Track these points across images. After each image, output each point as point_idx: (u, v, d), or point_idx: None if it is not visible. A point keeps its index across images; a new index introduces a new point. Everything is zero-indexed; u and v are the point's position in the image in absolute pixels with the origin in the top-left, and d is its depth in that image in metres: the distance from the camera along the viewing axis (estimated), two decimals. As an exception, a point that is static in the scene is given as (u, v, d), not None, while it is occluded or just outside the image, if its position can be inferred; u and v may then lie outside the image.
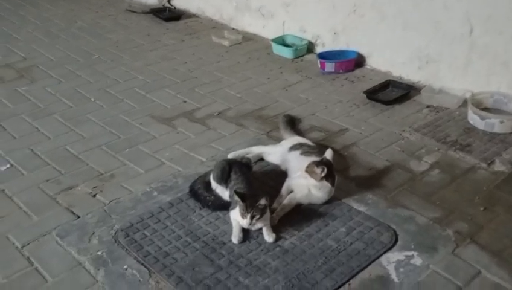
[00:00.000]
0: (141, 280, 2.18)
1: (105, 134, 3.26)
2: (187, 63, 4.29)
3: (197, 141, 3.16)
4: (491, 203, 2.58)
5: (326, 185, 2.53)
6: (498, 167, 2.86)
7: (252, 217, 2.31)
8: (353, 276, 2.18)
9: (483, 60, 3.43)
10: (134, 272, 2.21)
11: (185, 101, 3.67)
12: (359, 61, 4.15)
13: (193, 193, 2.65)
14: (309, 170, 2.53)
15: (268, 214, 2.41)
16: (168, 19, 5.28)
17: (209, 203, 2.58)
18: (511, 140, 3.08)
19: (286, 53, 4.38)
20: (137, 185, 2.77)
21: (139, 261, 2.27)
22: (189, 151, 3.05)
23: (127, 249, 2.33)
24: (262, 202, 2.33)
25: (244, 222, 2.34)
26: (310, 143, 2.91)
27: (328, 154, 2.64)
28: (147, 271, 2.22)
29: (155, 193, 2.70)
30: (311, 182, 2.53)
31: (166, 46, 4.66)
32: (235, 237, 2.37)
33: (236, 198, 2.35)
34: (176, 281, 2.16)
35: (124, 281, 2.17)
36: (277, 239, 2.37)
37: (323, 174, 2.50)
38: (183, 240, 2.39)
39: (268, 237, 2.37)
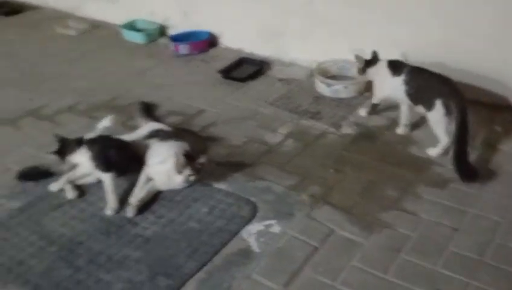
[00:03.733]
0: (-6, 294, 2.04)
1: None
2: (30, 59, 4.02)
3: (47, 139, 2.96)
4: (340, 165, 2.73)
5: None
6: (345, 129, 3.04)
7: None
8: (216, 253, 2.20)
9: (324, 29, 3.58)
10: (-15, 287, 2.07)
11: (31, 99, 3.43)
12: (212, 41, 4.17)
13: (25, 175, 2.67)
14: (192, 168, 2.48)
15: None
16: (8, 13, 4.91)
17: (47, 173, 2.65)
18: (355, 103, 3.28)
19: (138, 38, 4.28)
20: (-18, 194, 2.56)
21: (-10, 275, 2.12)
22: (39, 152, 2.86)
23: (-25, 264, 2.17)
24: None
25: None
26: (166, 128, 2.87)
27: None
28: (0, 283, 2.07)
29: (3, 201, 2.53)
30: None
31: (7, 42, 4.33)
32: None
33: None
34: (32, 288, 2.05)
35: (-26, 298, 2.02)
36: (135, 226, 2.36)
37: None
38: (38, 245, 2.26)
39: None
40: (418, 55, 3.08)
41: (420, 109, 2.82)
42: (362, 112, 3.15)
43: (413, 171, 2.66)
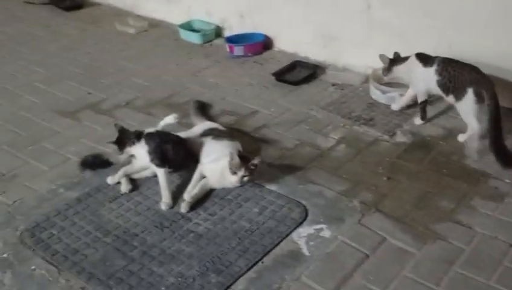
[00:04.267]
0: (50, 279, 2.12)
1: (6, 132, 3.10)
2: (90, 53, 4.14)
3: (105, 133, 3.06)
4: (393, 173, 2.70)
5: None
6: (399, 138, 3.00)
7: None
8: (266, 254, 2.22)
9: (381, 35, 3.54)
10: (42, 272, 2.15)
11: (89, 93, 3.55)
12: (267, 43, 4.18)
13: (87, 163, 2.76)
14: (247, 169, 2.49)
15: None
16: (69, 9, 5.07)
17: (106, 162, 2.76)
18: (410, 111, 3.23)
19: (194, 38, 4.34)
20: (42, 183, 2.67)
21: (47, 261, 2.20)
22: (97, 145, 2.95)
23: (34, 249, 2.26)
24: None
25: None
26: (220, 128, 2.91)
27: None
28: (56, 270, 2.16)
29: (61, 190, 2.62)
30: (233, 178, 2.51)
31: (67, 36, 4.48)
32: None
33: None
34: (87, 277, 2.11)
35: (32, 282, 2.11)
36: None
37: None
38: (93, 235, 2.33)
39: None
40: (477, 62, 3.01)
41: (451, 99, 2.88)
42: (417, 120, 3.11)
43: (468, 183, 2.61)
